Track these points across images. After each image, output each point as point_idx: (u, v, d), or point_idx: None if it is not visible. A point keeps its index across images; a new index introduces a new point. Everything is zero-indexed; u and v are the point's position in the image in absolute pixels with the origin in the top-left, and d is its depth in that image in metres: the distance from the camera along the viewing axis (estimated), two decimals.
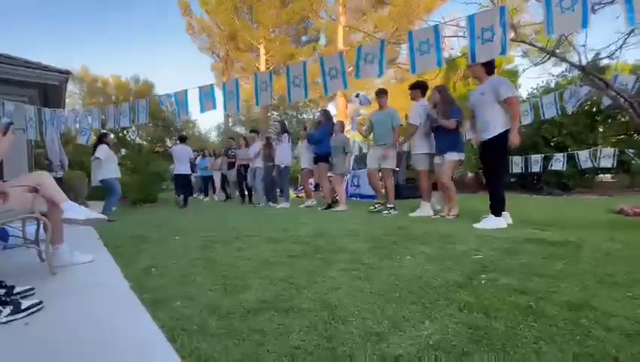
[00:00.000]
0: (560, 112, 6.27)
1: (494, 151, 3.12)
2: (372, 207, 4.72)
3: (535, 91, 10.51)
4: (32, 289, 1.48)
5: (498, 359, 0.93)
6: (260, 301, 1.43)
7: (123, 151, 7.78)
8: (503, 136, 3.03)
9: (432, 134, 4.07)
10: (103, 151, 5.01)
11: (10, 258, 2.51)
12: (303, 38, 20.09)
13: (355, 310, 1.30)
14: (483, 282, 1.56)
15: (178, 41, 50.39)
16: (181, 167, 7.04)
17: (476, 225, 3.02)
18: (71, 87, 9.01)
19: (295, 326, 1.17)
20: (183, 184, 7.22)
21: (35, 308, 1.40)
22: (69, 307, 1.51)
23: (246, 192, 7.62)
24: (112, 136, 5.61)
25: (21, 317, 1.35)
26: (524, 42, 4.32)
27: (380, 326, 1.16)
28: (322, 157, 5.58)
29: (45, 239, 2.08)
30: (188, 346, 1.07)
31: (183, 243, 2.87)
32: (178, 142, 7.97)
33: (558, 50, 4.48)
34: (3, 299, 1.36)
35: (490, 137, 3.10)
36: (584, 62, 4.22)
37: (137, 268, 2.08)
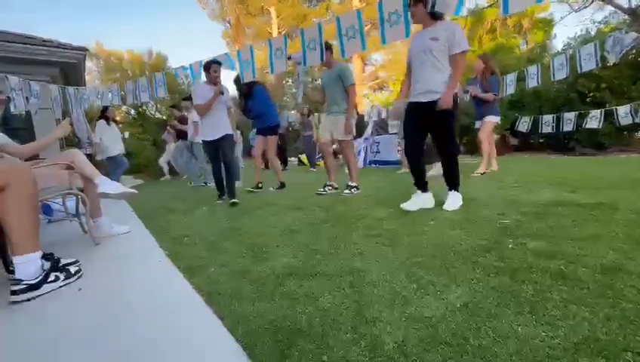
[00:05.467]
0: (600, 64, 5.72)
1: (449, 112, 2.34)
2: (321, 190, 3.57)
3: (572, 42, 9.57)
4: (77, 261, 1.61)
5: (527, 321, 0.94)
6: (288, 266, 1.49)
7: (127, 134, 7.33)
8: (457, 96, 2.39)
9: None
10: (100, 129, 5.19)
11: (56, 231, 2.72)
12: None
13: (381, 274, 1.33)
14: (510, 246, 1.55)
15: (187, 11, 48.82)
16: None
17: (447, 207, 2.38)
18: (88, 64, 9.12)
19: (323, 290, 1.23)
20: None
21: (79, 274, 1.55)
22: (115, 274, 1.64)
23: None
24: (112, 109, 5.64)
25: (73, 281, 1.49)
26: None
27: (406, 289, 1.19)
28: (271, 129, 4.31)
29: (85, 213, 2.22)
30: (225, 309, 1.15)
31: (210, 213, 2.99)
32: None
33: None
34: (59, 266, 1.49)
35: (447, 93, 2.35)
36: (634, 5, 3.74)
37: (170, 237, 2.20)
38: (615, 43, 5.03)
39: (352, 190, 3.42)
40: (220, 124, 3.47)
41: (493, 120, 4.34)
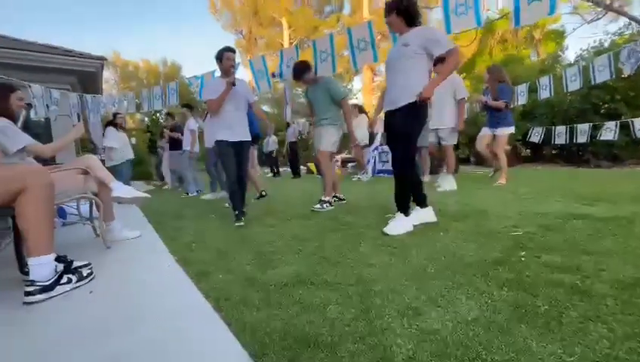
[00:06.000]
0: (614, 75, 5.63)
1: (413, 121, 2.16)
2: (318, 206, 3.19)
3: (584, 53, 9.47)
4: (89, 264, 1.63)
5: (542, 337, 0.91)
6: (295, 274, 1.49)
7: (133, 140, 7.12)
8: (425, 106, 2.19)
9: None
10: (109, 137, 5.19)
11: (70, 234, 2.77)
12: (326, 9, 19.29)
13: (390, 285, 1.31)
14: (523, 259, 1.51)
15: (202, 22, 50.37)
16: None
17: (387, 230, 2.12)
18: (105, 73, 9.42)
19: (331, 299, 1.22)
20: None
21: (92, 276, 1.57)
22: (125, 277, 1.66)
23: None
24: (122, 116, 5.59)
25: (85, 283, 1.52)
26: None
27: (415, 301, 1.17)
28: (254, 139, 3.86)
29: (98, 217, 2.27)
30: (232, 315, 1.15)
31: (219, 220, 3.01)
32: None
33: (616, 3, 3.95)
34: (72, 269, 1.52)
35: (407, 103, 2.15)
36: None
37: (179, 243, 2.22)
38: (630, 54, 4.96)
39: (324, 205, 3.16)
40: (237, 126, 2.86)
41: (506, 132, 4.29)
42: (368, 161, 7.50)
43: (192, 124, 5.29)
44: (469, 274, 1.37)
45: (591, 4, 3.86)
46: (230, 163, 2.84)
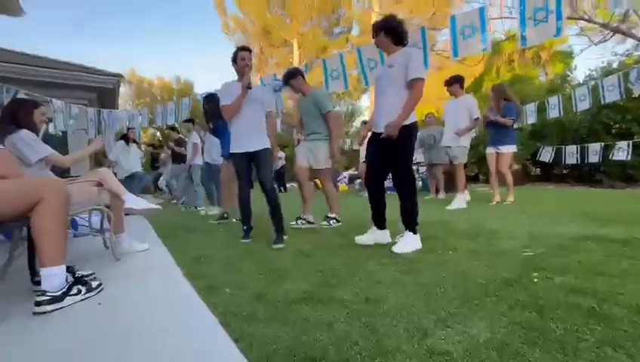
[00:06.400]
0: (624, 95, 5.62)
1: (405, 145, 2.17)
2: (293, 223, 3.19)
3: (593, 73, 9.49)
4: (93, 273, 1.65)
5: None
6: (303, 291, 1.48)
7: (142, 154, 7.23)
8: (414, 127, 2.19)
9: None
10: (115, 149, 5.34)
11: (80, 245, 2.81)
12: (336, 30, 19.86)
13: (399, 303, 1.29)
14: (535, 280, 1.47)
15: (215, 41, 52.43)
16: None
17: (396, 249, 2.09)
18: (121, 89, 9.73)
19: (339, 317, 1.20)
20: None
21: (100, 288, 1.59)
22: (133, 290, 1.67)
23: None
24: (133, 131, 5.82)
25: (94, 295, 1.53)
26: (582, 19, 3.91)
27: (425, 321, 1.14)
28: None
29: (109, 229, 2.31)
30: (239, 330, 1.14)
31: (227, 233, 3.03)
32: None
33: (623, 26, 3.99)
34: (81, 280, 1.54)
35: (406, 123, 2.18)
36: None
37: (188, 256, 2.23)
38: (639, 75, 4.96)
39: (332, 221, 3.14)
40: (253, 133, 2.61)
41: (510, 150, 4.29)
42: None
43: (195, 137, 5.39)
44: (480, 295, 1.34)
45: (598, 26, 3.91)
46: (242, 176, 2.66)
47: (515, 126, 4.40)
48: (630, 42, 8.71)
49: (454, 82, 4.35)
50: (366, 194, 2.38)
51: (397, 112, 2.10)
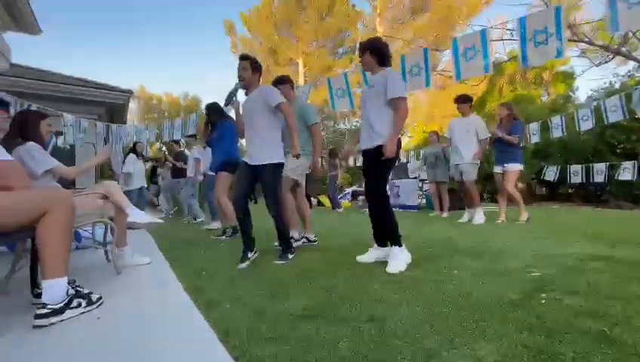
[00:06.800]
0: (628, 115, 5.64)
1: (379, 162, 2.17)
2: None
3: (595, 93, 9.58)
4: (91, 292, 1.63)
5: None
6: (304, 308, 1.45)
7: (147, 164, 7.37)
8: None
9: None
10: (128, 163, 5.47)
11: (82, 258, 2.81)
12: (340, 50, 20.38)
13: (402, 323, 1.26)
14: (543, 302, 1.44)
15: (223, 60, 54.16)
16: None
17: (389, 270, 2.03)
18: (131, 105, 9.93)
19: (341, 336, 1.17)
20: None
21: (100, 301, 1.57)
22: (133, 304, 1.65)
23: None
24: (141, 144, 5.94)
25: (94, 308, 1.51)
26: (582, 41, 3.99)
27: (430, 341, 1.11)
28: (225, 164, 3.71)
29: (111, 242, 2.31)
30: (239, 348, 1.11)
31: (230, 248, 3.01)
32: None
33: (624, 48, 4.06)
34: (81, 293, 1.53)
35: (377, 145, 2.19)
36: None
37: (189, 270, 2.21)
38: None
39: (302, 241, 3.00)
40: (256, 145, 2.43)
41: (516, 168, 4.27)
42: None
43: (196, 152, 5.42)
44: (487, 316, 1.30)
45: (598, 48, 3.99)
46: (239, 187, 2.49)
47: (521, 144, 4.43)
48: (632, 64, 8.83)
49: (466, 101, 4.50)
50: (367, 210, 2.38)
51: (375, 129, 2.18)
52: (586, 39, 4.00)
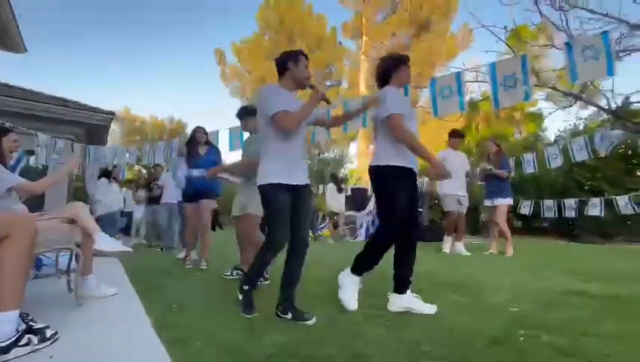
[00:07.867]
0: (592, 155, 6.04)
1: (386, 186, 1.99)
2: (227, 273, 2.86)
3: (562, 133, 10.30)
4: (48, 326, 1.47)
5: None
6: (280, 345, 1.37)
7: (124, 190, 7.08)
8: (392, 170, 1.94)
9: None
10: (100, 189, 5.25)
11: (41, 286, 2.58)
12: (327, 83, 21.25)
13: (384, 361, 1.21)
14: (522, 339, 1.43)
15: (211, 87, 54.90)
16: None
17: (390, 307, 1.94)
18: (113, 126, 9.70)
19: None
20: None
21: (55, 337, 1.42)
22: (92, 341, 1.50)
23: None
24: (117, 168, 5.75)
25: (47, 346, 1.36)
26: (547, 87, 4.35)
27: None
28: (205, 191, 3.52)
29: (76, 269, 2.15)
30: None
31: (204, 279, 2.86)
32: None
33: (584, 95, 4.46)
34: (33, 329, 1.38)
35: (374, 164, 2.04)
36: (614, 106, 4.15)
37: (159, 303, 2.07)
38: (603, 138, 5.40)
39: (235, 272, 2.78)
40: (300, 163, 1.99)
41: (506, 203, 4.40)
42: (361, 226, 7.47)
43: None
44: (467, 353, 1.27)
45: (561, 94, 4.38)
46: (286, 217, 1.86)
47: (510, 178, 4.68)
48: (593, 108, 9.65)
49: (461, 137, 4.76)
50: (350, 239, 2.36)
51: (379, 150, 2.05)
52: (550, 85, 4.38)
